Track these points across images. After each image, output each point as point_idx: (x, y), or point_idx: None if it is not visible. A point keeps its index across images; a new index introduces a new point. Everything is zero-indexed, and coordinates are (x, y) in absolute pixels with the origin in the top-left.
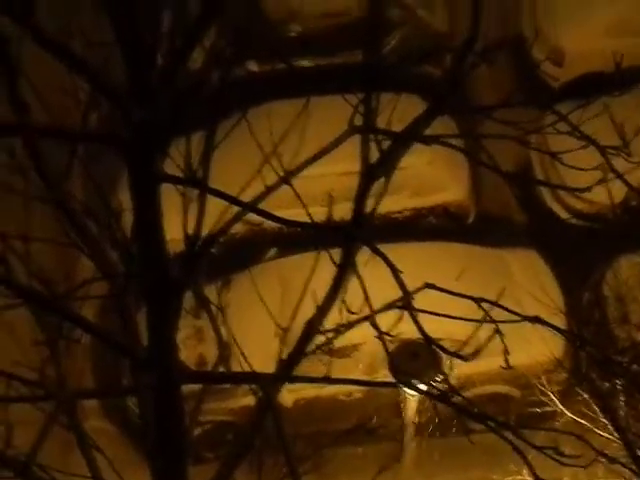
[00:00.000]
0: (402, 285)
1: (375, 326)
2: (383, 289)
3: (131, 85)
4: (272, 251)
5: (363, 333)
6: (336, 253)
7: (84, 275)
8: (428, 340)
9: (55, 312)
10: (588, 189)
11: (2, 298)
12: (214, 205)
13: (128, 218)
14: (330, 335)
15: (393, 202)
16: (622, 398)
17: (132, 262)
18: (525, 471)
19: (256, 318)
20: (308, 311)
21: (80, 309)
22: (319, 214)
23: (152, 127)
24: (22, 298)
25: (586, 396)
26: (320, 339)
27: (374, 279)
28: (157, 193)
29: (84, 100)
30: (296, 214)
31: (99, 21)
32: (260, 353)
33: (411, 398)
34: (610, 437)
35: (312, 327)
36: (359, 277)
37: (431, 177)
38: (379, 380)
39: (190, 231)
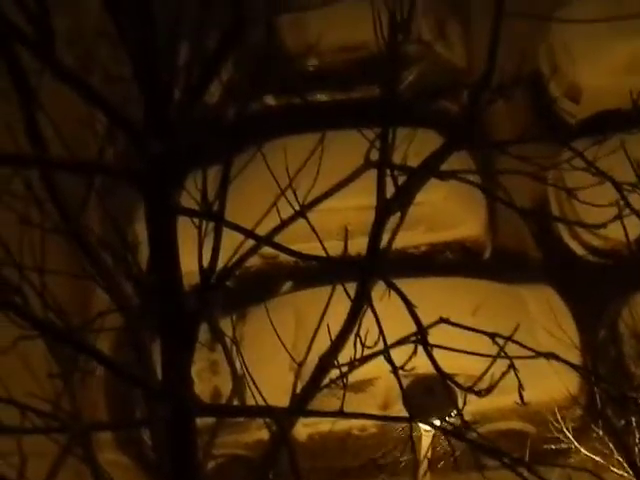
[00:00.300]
0: (417, 320)
1: (389, 361)
2: (398, 323)
3: (148, 118)
4: (287, 284)
5: (377, 368)
6: (351, 287)
7: (99, 307)
8: (443, 375)
9: (70, 344)
10: (604, 225)
11: (18, 329)
12: (230, 238)
13: (144, 251)
14: (344, 369)
15: (409, 237)
16: (637, 435)
17: (147, 295)
18: None
19: (271, 351)
20: (323, 345)
21: (95, 341)
22: (335, 248)
23: (168, 160)
24: (38, 330)
25: (601, 433)
26: (334, 373)
27: (389, 313)
28: (173, 226)
29: (101, 133)
30: (312, 248)
31: (118, 54)
32: (274, 387)
33: (425, 433)
34: (625, 474)
35: (326, 361)
36: (374, 311)
37: (447, 212)
38: (393, 415)
39: (205, 264)
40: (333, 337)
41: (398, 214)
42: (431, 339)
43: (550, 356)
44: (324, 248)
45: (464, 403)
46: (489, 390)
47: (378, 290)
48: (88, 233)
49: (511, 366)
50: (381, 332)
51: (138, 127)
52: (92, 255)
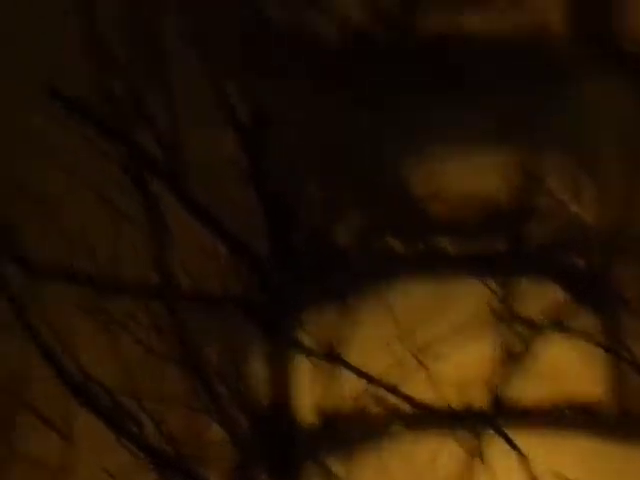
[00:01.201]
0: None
1: None
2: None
3: (274, 248)
4: (397, 427)
5: None
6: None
7: (213, 437)
8: None
9: (180, 473)
10: None
11: (128, 455)
12: (345, 377)
13: (260, 385)
14: None
15: (528, 390)
16: None
17: (260, 428)
18: None
19: None
20: None
21: (206, 472)
22: (453, 398)
23: (291, 291)
24: (149, 457)
25: None
26: None
27: (504, 468)
28: (290, 361)
29: (224, 264)
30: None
31: (244, 192)
32: None
33: None
34: None
35: None
36: (488, 466)
37: (569, 368)
38: None
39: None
40: None
41: (520, 367)
42: None
43: None
44: (443, 398)
45: None
46: None
47: (495, 444)
48: (206, 364)
49: None
50: None
51: (262, 259)
52: (209, 386)
